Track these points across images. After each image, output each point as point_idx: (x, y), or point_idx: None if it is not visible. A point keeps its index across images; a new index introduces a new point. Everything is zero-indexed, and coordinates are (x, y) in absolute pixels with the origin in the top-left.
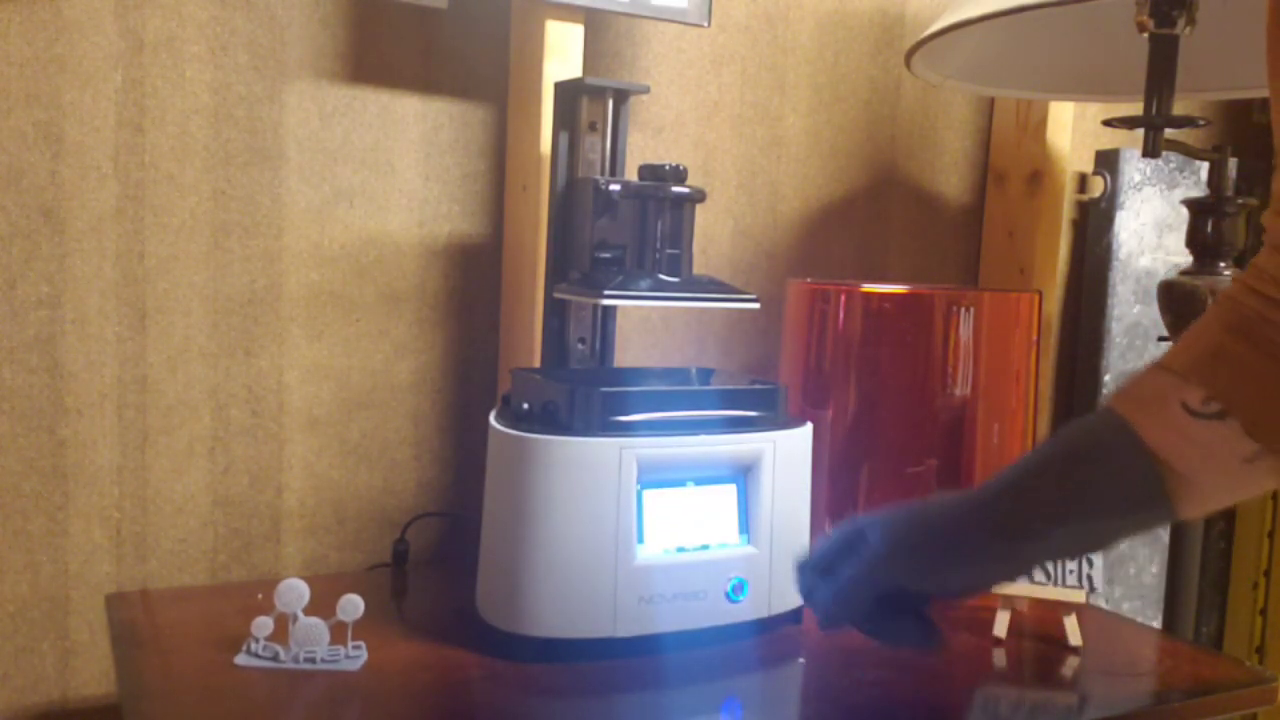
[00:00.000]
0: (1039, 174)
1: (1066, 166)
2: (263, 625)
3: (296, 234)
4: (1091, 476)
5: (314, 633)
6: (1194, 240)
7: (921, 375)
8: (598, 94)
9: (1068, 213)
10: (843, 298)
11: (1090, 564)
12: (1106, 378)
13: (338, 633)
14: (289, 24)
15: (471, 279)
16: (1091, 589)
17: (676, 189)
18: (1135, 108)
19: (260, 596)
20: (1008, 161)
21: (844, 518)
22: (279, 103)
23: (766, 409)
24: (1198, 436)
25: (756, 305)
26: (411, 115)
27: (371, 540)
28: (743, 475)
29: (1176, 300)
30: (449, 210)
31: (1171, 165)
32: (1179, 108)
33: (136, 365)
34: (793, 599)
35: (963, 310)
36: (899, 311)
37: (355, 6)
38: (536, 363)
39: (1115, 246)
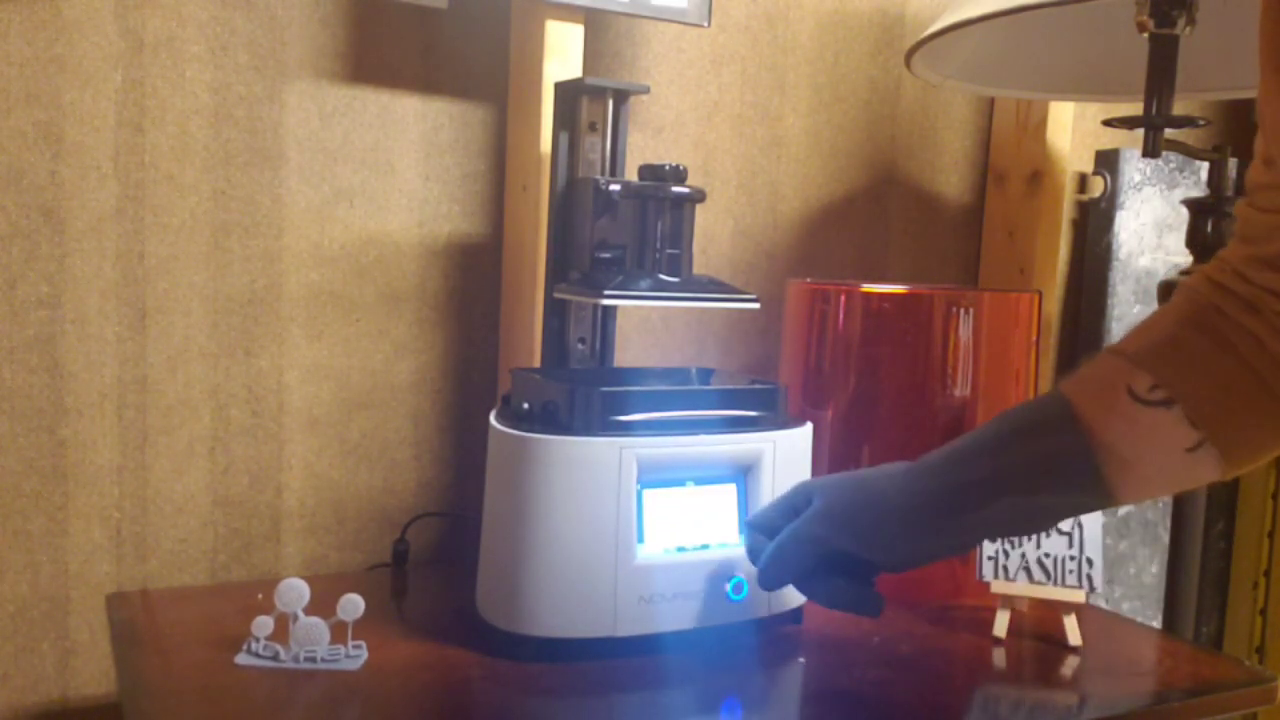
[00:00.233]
0: (1039, 174)
1: (1066, 166)
2: (263, 625)
3: (296, 234)
4: (1028, 452)
5: (314, 632)
6: (1194, 240)
7: (921, 375)
8: (598, 94)
9: (1068, 213)
10: (842, 298)
11: (1090, 564)
12: None
13: (338, 632)
14: (289, 24)
15: (471, 279)
16: (1091, 589)
17: (676, 189)
18: (1135, 108)
19: (260, 596)
20: (1008, 161)
21: None
22: (279, 103)
23: (766, 409)
24: (1141, 422)
25: (756, 305)
26: (411, 115)
27: (371, 540)
28: (743, 475)
29: None
30: (449, 210)
31: (1171, 165)
32: (1179, 108)
33: (136, 365)
34: (793, 599)
35: (962, 310)
36: (899, 311)
37: (355, 6)
38: (536, 363)
39: (1115, 246)
